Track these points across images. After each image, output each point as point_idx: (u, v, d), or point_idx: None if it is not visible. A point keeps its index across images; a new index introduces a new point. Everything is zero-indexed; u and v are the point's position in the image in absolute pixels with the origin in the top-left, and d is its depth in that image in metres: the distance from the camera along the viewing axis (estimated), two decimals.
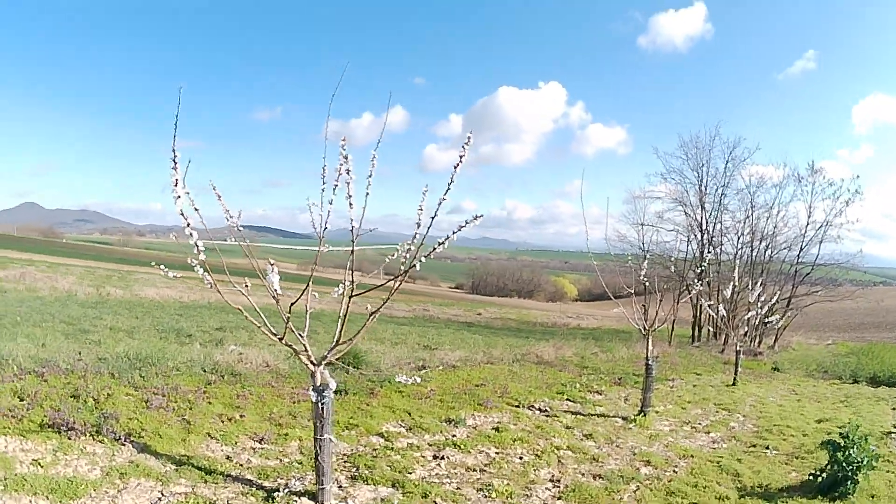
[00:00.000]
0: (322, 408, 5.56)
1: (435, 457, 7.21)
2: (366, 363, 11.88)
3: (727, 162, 32.04)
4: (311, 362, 5.66)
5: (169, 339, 13.62)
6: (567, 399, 10.68)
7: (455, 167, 5.20)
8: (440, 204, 5.20)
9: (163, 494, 5.51)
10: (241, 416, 7.93)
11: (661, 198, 33.06)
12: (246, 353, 11.46)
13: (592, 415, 9.74)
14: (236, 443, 7.03)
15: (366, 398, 9.47)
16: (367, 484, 6.24)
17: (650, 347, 9.76)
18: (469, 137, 5.15)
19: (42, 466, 5.72)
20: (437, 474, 6.67)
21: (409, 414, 8.84)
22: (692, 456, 7.96)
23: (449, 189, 5.18)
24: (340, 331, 5.62)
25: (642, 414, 9.64)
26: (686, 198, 32.56)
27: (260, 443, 7.14)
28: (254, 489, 5.85)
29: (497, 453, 7.49)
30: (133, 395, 8.17)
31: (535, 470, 6.93)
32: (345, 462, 6.85)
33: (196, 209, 4.95)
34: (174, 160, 4.45)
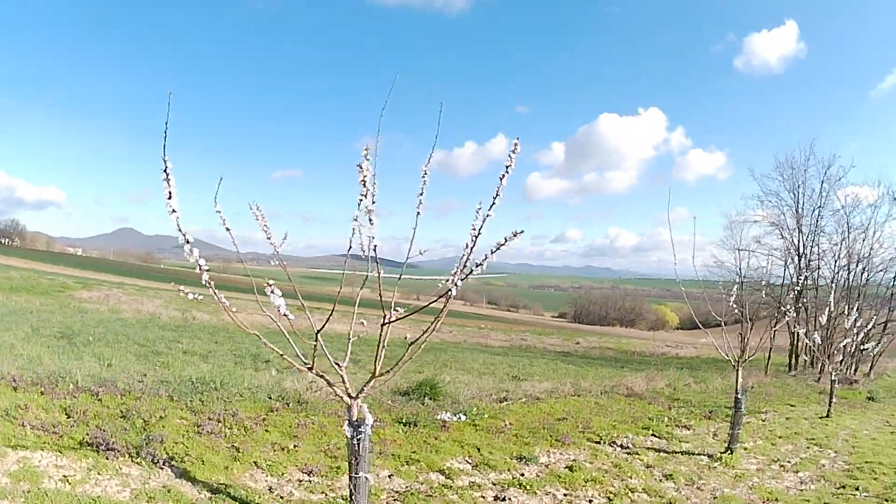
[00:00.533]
0: (357, 444, 5.09)
1: (496, 498, 6.60)
2: (443, 394, 11.39)
3: (822, 182, 30.19)
4: (348, 395, 5.18)
5: (244, 365, 13.50)
6: (652, 434, 9.82)
7: (501, 178, 4.64)
8: (484, 221, 4.63)
9: None
10: (294, 447, 7.58)
11: (758, 221, 31.60)
12: (319, 380, 11.10)
13: (677, 452, 8.86)
14: (283, 474, 6.69)
15: (436, 431, 8.96)
16: None
17: (740, 380, 8.85)
18: (516, 144, 4.59)
19: (70, 484, 5.62)
20: None
21: (479, 450, 8.26)
22: (776, 500, 7.02)
23: (494, 204, 4.62)
24: (377, 361, 5.09)
25: (729, 451, 8.69)
26: (783, 221, 30.97)
27: (308, 475, 6.74)
28: None
29: (565, 495, 6.80)
30: (186, 420, 8.05)
31: None
32: (396, 500, 6.35)
33: (228, 228, 4.63)
34: (165, 171, 4.07)
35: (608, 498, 6.70)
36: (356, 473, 5.08)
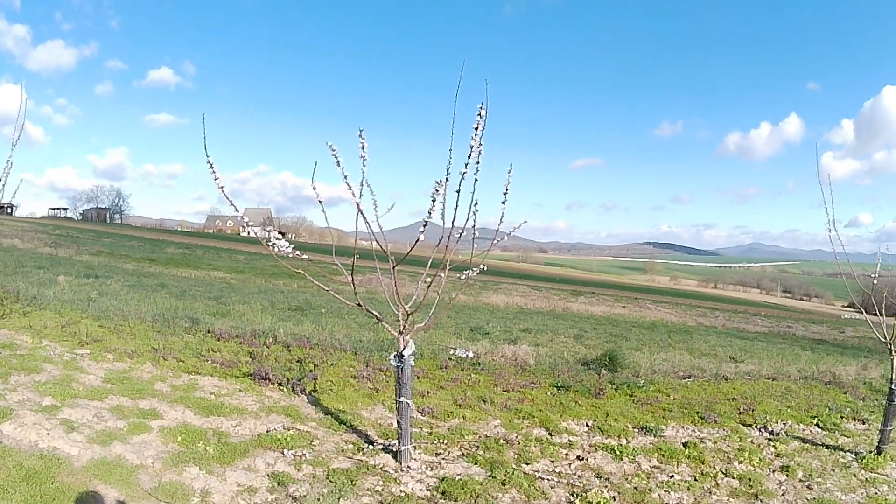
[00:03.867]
0: (401, 372, 5.40)
1: (578, 458, 6.40)
2: (623, 366, 11.04)
3: None
4: (398, 331, 5.49)
5: (462, 336, 13.98)
6: (816, 424, 8.57)
7: (473, 137, 4.53)
8: (462, 176, 4.57)
9: (284, 427, 6.01)
10: (428, 393, 8.01)
11: None
12: (504, 349, 11.38)
13: (826, 445, 7.61)
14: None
15: (584, 397, 8.79)
16: (469, 462, 5.84)
17: (895, 366, 7.49)
18: (481, 108, 4.46)
19: (216, 396, 6.88)
20: (554, 471, 5.92)
21: (608, 416, 7.96)
22: None
23: (469, 163, 4.56)
24: (407, 304, 5.29)
25: (877, 452, 7.37)
26: None
27: (422, 414, 7.14)
28: (357, 441, 6.15)
29: (654, 467, 6.36)
30: (354, 368, 9.08)
31: (666, 491, 5.73)
32: (477, 443, 6.51)
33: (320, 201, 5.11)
34: (210, 163, 4.59)
35: (693, 477, 6.13)
36: (399, 398, 5.40)
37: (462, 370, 9.74)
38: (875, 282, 7.55)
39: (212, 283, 23.80)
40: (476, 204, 4.64)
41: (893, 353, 7.35)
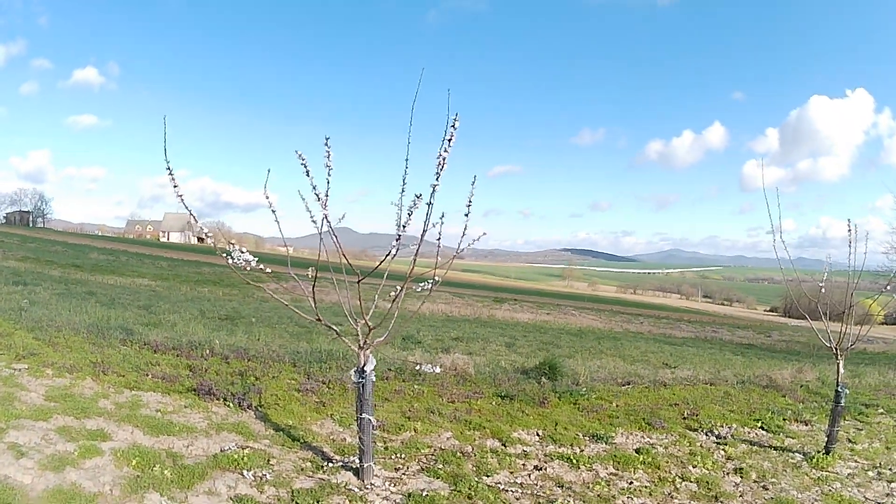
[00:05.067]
0: (362, 388, 5.38)
1: (536, 468, 6.52)
2: (562, 374, 11.29)
3: None
4: (358, 346, 5.48)
5: (395, 346, 14.02)
6: (761, 427, 8.99)
7: (447, 149, 4.58)
8: (434, 189, 4.61)
9: (238, 446, 5.94)
10: (375, 406, 7.99)
11: None
12: (442, 358, 11.49)
13: (773, 447, 8.01)
14: (350, 425, 7.16)
15: (528, 406, 8.96)
16: (430, 476, 5.88)
17: (841, 371, 7.95)
18: (455, 119, 4.52)
19: (162, 413, 6.78)
20: (515, 483, 6.02)
21: (557, 425, 8.13)
22: None
23: (439, 174, 4.62)
24: (365, 316, 5.30)
25: (825, 452, 7.79)
26: None
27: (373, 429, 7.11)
28: (315, 458, 6.05)
29: (611, 474, 6.54)
30: (296, 381, 9.01)
31: (629, 498, 5.91)
32: (434, 455, 6.59)
33: (273, 211, 5.05)
34: (169, 169, 4.50)
35: (652, 482, 6.34)
36: (361, 415, 5.39)
37: (404, 381, 9.79)
38: (822, 290, 7.95)
39: (139, 291, 23.90)
40: (442, 216, 4.70)
41: (839, 357, 7.77)
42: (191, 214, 4.52)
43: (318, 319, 5.41)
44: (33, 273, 25.82)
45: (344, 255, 4.83)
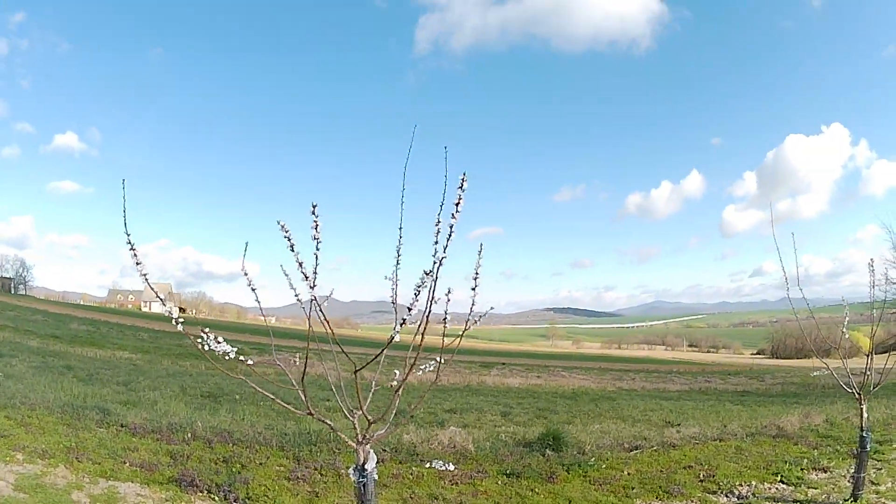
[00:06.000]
0: (363, 488, 4.93)
1: None
2: (568, 444, 10.88)
3: None
4: (356, 440, 5.05)
5: (388, 421, 13.58)
6: (781, 480, 8.70)
7: (452, 216, 4.29)
8: (440, 262, 4.28)
9: None
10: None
11: None
12: (438, 434, 11.04)
13: (795, 501, 7.78)
14: None
15: (537, 483, 8.56)
16: None
17: (865, 414, 7.66)
18: (463, 180, 4.25)
19: None
20: None
21: (570, 502, 7.75)
22: None
23: (447, 246, 4.30)
24: (363, 405, 4.89)
25: (853, 499, 7.48)
26: None
27: None
28: None
29: None
30: (285, 467, 8.57)
31: None
32: None
33: (253, 289, 4.73)
34: (130, 243, 4.15)
35: None
36: None
37: (401, 462, 9.36)
38: (845, 332, 7.69)
39: (119, 365, 23.63)
40: (449, 292, 4.37)
41: (862, 401, 7.50)
42: (157, 295, 4.14)
43: (310, 413, 5.02)
44: (10, 343, 25.71)
45: (338, 345, 4.45)
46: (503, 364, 50.44)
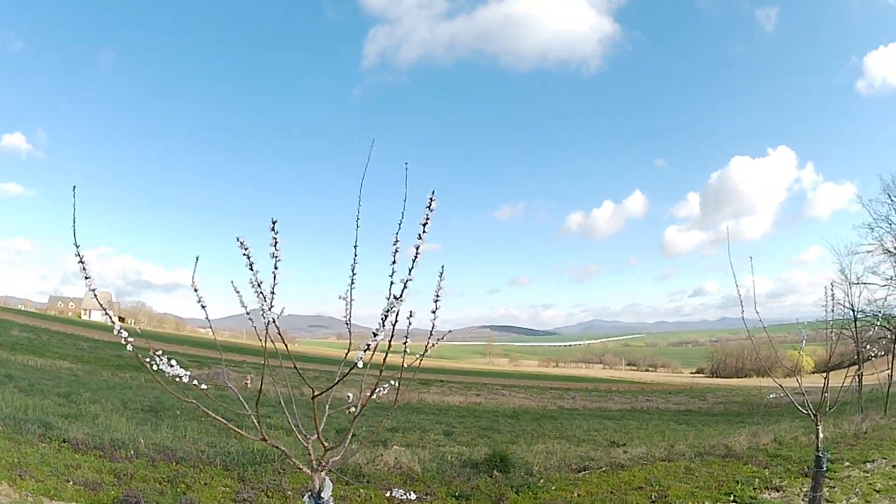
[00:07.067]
0: None
1: None
2: (515, 466, 10.73)
3: None
4: (310, 467, 4.76)
5: (329, 438, 13.28)
6: (733, 501, 8.69)
7: (419, 236, 4.07)
8: (405, 285, 4.06)
9: None
10: None
11: (870, 252, 28.98)
12: (383, 455, 10.78)
13: None
14: None
15: None
16: None
17: (821, 435, 7.68)
18: (431, 199, 4.04)
19: None
20: None
21: None
22: None
23: (412, 268, 4.08)
24: (318, 426, 4.62)
25: None
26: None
27: None
28: None
29: None
30: (230, 488, 8.31)
31: None
32: None
33: (203, 306, 4.41)
34: (79, 257, 3.83)
35: None
36: None
37: (347, 483, 9.05)
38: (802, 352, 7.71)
39: (59, 375, 23.56)
40: (410, 315, 4.14)
41: (818, 422, 7.50)
42: (106, 313, 3.81)
43: (264, 439, 4.71)
44: None
45: (296, 370, 4.17)
46: (441, 381, 50.37)
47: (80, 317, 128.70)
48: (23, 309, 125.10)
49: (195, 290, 4.22)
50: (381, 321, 3.87)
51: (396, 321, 3.94)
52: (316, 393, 4.35)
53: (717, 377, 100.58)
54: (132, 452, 9.46)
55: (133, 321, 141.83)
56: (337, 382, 4.25)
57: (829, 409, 7.77)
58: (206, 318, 4.25)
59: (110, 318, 3.94)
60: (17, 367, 23.25)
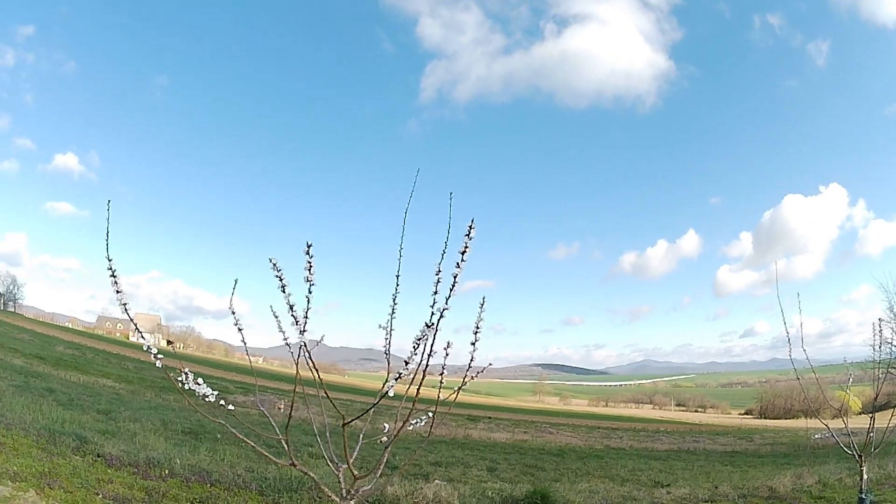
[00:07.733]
0: None
1: None
2: None
3: None
4: (340, 496, 4.84)
5: (367, 469, 13.34)
6: None
7: (457, 265, 4.14)
8: (441, 314, 4.09)
9: None
10: None
11: None
12: (423, 488, 10.78)
13: None
14: None
15: None
16: None
17: (865, 476, 7.53)
18: (470, 227, 4.10)
19: None
20: None
21: None
22: None
23: (449, 297, 4.13)
24: (349, 457, 4.71)
25: None
26: None
27: None
28: None
29: None
30: None
31: None
32: None
33: (240, 329, 4.55)
34: (112, 272, 4.00)
35: None
36: None
37: None
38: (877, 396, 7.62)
39: (101, 393, 23.60)
40: (448, 346, 4.19)
41: (862, 463, 7.37)
42: (136, 329, 3.97)
43: (293, 464, 4.83)
44: None
45: (326, 392, 4.28)
46: (490, 418, 49.99)
47: (128, 338, 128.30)
48: (70, 326, 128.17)
49: (233, 313, 4.38)
50: (412, 349, 3.96)
51: (433, 352, 4.02)
52: (346, 421, 4.46)
53: (765, 418, 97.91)
54: (167, 472, 9.55)
55: (181, 346, 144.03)
56: (367, 412, 4.37)
57: (875, 449, 7.62)
58: (243, 340, 4.41)
59: (136, 328, 4.13)
60: (59, 382, 23.44)
